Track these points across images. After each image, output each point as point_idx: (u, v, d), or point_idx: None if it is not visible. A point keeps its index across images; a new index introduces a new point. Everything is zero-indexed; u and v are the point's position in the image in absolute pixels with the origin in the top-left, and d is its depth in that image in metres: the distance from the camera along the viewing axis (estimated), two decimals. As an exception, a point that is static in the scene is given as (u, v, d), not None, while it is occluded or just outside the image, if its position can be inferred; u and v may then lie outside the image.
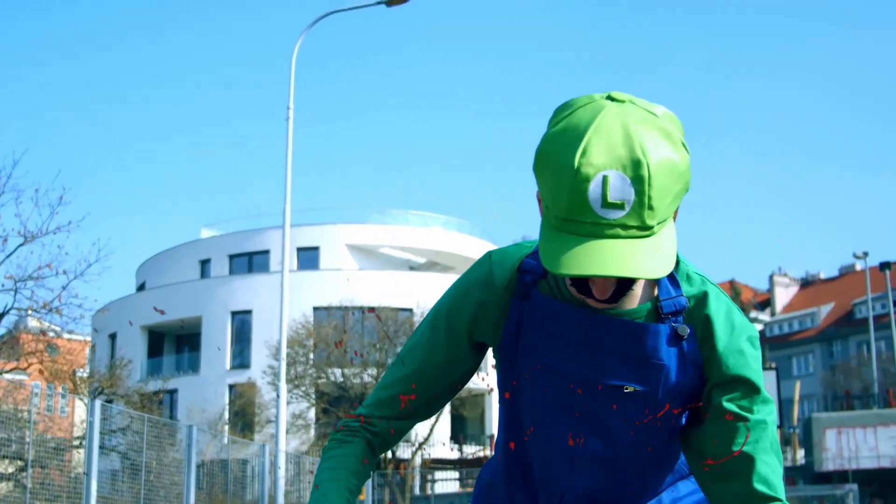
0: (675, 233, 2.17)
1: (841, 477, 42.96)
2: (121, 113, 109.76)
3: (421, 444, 42.23)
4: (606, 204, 2.03)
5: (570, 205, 2.06)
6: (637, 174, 2.04)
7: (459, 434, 52.04)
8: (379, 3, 25.04)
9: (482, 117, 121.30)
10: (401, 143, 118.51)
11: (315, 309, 48.15)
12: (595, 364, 2.34)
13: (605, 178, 2.03)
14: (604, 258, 2.04)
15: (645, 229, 2.06)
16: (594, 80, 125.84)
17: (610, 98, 2.14)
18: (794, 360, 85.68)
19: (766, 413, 2.34)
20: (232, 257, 56.31)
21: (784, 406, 45.14)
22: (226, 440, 31.50)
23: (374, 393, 2.56)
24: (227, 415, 47.07)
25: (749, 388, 2.33)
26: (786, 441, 48.21)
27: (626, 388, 2.34)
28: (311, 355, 41.99)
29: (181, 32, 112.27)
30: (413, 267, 57.08)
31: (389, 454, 41.84)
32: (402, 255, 57.28)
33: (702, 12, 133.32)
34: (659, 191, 2.06)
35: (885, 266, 36.51)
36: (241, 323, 52.55)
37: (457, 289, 2.49)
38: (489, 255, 2.48)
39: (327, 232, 55.28)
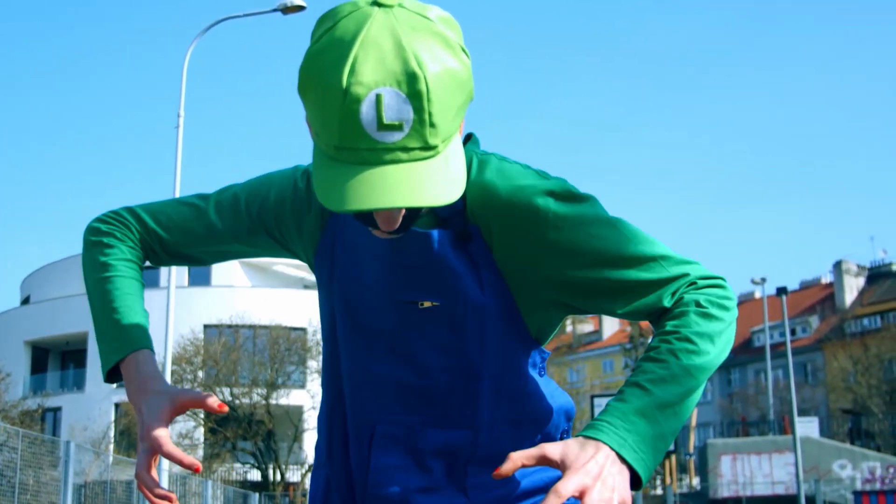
0: (461, 147, 1.98)
1: (735, 503, 43.51)
2: (3, 116, 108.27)
3: (311, 466, 41.95)
4: (382, 126, 1.83)
5: (341, 130, 1.85)
6: (414, 89, 1.83)
7: (351, 456, 51.86)
8: (274, 10, 24.89)
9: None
10: (296, 154, 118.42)
11: (205, 326, 47.73)
12: (391, 279, 2.19)
13: (378, 97, 1.82)
14: (387, 188, 1.84)
15: (429, 149, 1.87)
16: (499, 84, 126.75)
17: (376, 3, 1.90)
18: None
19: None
20: (120, 272, 55.63)
21: (681, 433, 45.57)
22: (110, 460, 31.01)
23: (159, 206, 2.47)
24: (112, 434, 46.37)
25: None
26: (681, 468, 48.71)
27: (422, 304, 2.18)
28: (200, 373, 41.59)
29: (70, 35, 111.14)
30: (307, 285, 56.80)
31: (278, 476, 41.57)
32: (296, 272, 57.03)
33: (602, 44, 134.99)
34: (440, 105, 1.85)
35: (781, 291, 36.92)
36: (129, 340, 51.95)
37: (273, 176, 2.40)
38: (302, 172, 2.36)
39: (220, 247, 54.87)
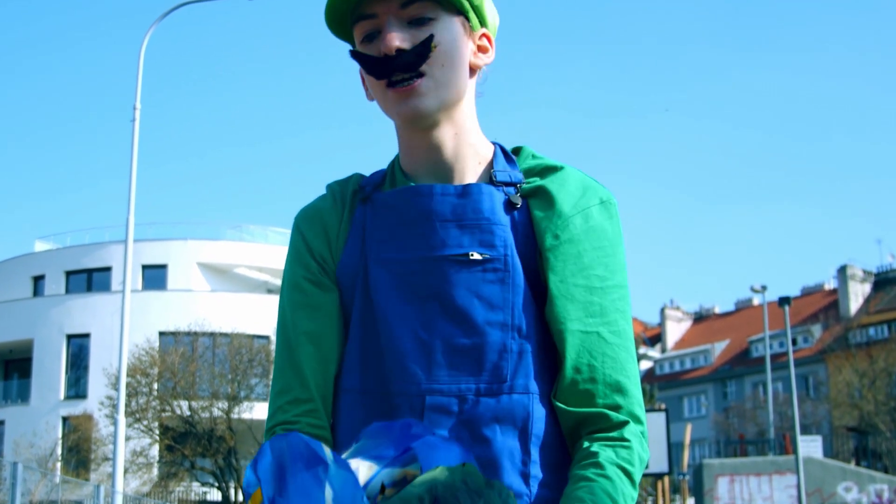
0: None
1: (733, 528, 43.58)
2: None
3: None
4: None
5: None
6: None
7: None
8: (239, -6, 24.86)
9: (350, 123, 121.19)
10: (260, 151, 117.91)
11: (161, 334, 47.64)
12: (435, 237, 2.33)
13: None
14: None
15: None
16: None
17: None
18: (685, 401, 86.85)
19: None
20: (69, 274, 55.44)
21: (674, 450, 45.66)
22: (57, 479, 30.91)
23: (274, 400, 2.41)
24: (59, 451, 46.18)
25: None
26: (675, 489, 48.79)
27: (472, 255, 2.31)
28: (156, 385, 41.43)
29: (11, 21, 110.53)
30: (271, 290, 56.65)
31: (240, 496, 41.49)
32: (259, 276, 56.90)
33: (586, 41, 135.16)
34: None
35: (784, 301, 36.82)
36: (78, 348, 51.75)
37: (298, 227, 2.49)
38: (328, 185, 2.51)
39: (176, 249, 54.71)
